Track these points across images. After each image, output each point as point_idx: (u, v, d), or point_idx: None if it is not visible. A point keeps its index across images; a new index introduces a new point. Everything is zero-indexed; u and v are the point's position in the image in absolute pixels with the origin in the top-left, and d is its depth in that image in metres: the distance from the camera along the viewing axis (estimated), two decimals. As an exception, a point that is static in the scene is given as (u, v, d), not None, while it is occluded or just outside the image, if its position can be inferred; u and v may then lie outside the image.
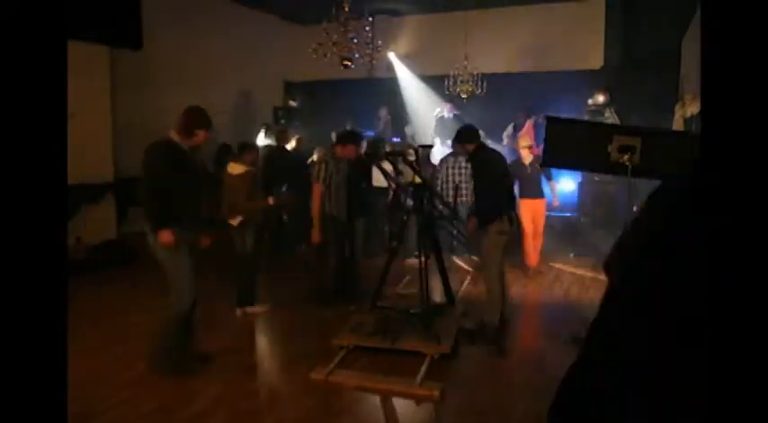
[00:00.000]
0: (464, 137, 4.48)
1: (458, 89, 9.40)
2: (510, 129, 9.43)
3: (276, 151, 7.62)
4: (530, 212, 6.21)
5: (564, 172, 8.27)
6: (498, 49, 10.19)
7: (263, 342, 4.83)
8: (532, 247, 6.35)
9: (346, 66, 7.31)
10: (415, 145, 7.81)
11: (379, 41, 7.66)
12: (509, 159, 5.82)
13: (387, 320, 4.30)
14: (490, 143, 8.53)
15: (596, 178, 7.67)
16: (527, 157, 6.22)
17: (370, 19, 7.31)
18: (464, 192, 6.55)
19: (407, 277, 6.30)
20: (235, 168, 5.07)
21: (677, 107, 7.29)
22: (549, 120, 4.39)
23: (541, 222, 6.35)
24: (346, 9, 6.89)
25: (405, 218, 4.93)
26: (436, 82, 9.84)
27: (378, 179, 5.95)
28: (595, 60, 9.55)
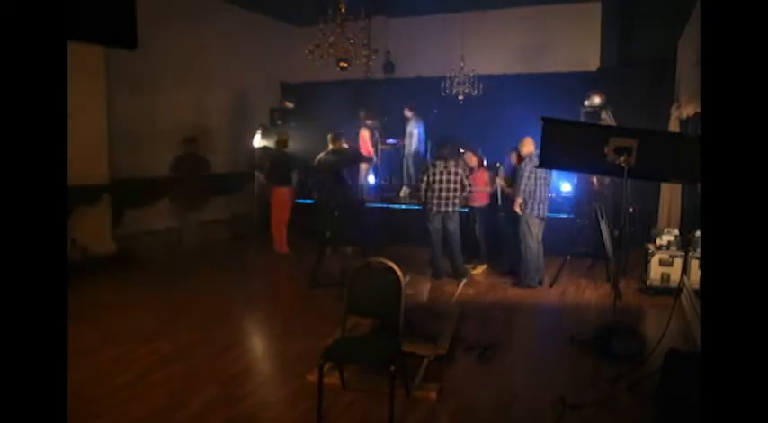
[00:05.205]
0: None
1: (454, 90, 9.41)
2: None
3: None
4: None
5: (560, 173, 8.28)
6: (495, 50, 10.20)
7: (258, 343, 4.82)
8: None
9: (343, 67, 7.30)
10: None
11: (376, 43, 7.65)
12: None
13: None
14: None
15: (593, 180, 7.67)
16: None
17: (367, 20, 7.30)
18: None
19: (407, 278, 6.30)
20: None
21: (673, 109, 7.31)
22: (546, 121, 4.39)
23: None
24: (342, 10, 6.88)
25: None
26: (433, 83, 9.83)
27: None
28: (592, 62, 9.58)
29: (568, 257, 6.64)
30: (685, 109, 6.91)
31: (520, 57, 10.13)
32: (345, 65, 7.27)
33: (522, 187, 6.07)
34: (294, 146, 8.74)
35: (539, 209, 6.11)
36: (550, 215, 7.79)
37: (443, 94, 9.47)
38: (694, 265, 5.65)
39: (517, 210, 6.14)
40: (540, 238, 6.24)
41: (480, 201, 6.91)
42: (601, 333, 4.35)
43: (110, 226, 7.45)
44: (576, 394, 3.51)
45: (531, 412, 3.41)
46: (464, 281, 6.37)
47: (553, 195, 8.54)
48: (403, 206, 8.83)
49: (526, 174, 6.07)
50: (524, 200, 6.09)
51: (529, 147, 6.16)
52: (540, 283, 6.31)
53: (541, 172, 6.08)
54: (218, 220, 9.65)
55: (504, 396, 3.62)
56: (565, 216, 7.99)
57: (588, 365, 4.09)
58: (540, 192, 6.09)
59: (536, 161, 6.00)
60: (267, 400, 3.58)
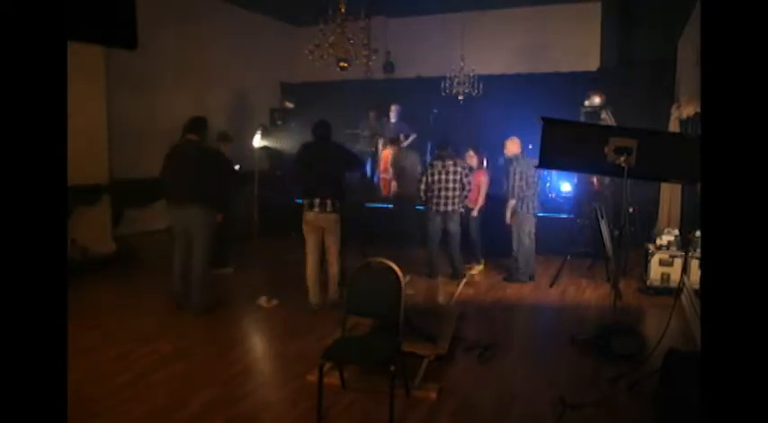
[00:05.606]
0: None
1: (454, 91, 9.42)
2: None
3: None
4: None
5: (560, 173, 8.28)
6: (495, 50, 10.21)
7: (258, 343, 4.82)
8: None
9: (343, 67, 7.30)
10: None
11: (376, 43, 7.66)
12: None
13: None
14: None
15: (593, 180, 7.67)
16: None
17: (367, 20, 7.30)
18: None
19: (407, 278, 6.30)
20: None
21: (673, 109, 7.31)
22: (546, 121, 4.39)
23: None
24: (342, 10, 6.88)
25: None
26: (433, 83, 9.84)
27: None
28: (592, 62, 9.58)
29: (568, 257, 6.64)
30: (685, 109, 6.91)
31: (520, 57, 10.13)
32: (345, 65, 7.27)
33: (516, 190, 6.19)
34: (292, 146, 8.65)
35: (528, 206, 6.26)
36: (551, 215, 7.82)
37: (443, 94, 9.47)
38: (694, 265, 5.65)
39: (508, 214, 6.28)
40: (533, 235, 6.38)
41: (476, 201, 6.89)
42: (601, 333, 4.36)
43: (110, 226, 7.45)
44: (576, 394, 3.51)
45: (531, 412, 3.41)
46: (464, 281, 6.37)
47: (553, 195, 8.54)
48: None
49: (518, 175, 6.18)
50: (517, 200, 6.21)
51: (512, 147, 6.30)
52: (532, 278, 6.44)
53: (528, 170, 6.19)
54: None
55: (504, 396, 3.62)
56: (565, 216, 7.98)
57: (588, 365, 4.09)
58: (528, 190, 6.23)
59: (529, 161, 6.09)
60: (267, 400, 3.59)
